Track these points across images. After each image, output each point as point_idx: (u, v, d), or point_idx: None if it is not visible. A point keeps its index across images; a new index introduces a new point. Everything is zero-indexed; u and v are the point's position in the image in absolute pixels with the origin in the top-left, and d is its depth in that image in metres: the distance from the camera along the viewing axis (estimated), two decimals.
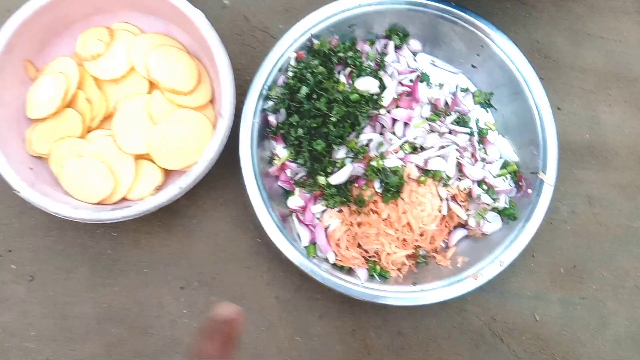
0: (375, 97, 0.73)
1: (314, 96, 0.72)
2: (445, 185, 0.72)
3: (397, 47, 0.79)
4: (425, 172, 0.72)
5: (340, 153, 0.70)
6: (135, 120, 0.73)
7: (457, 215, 0.73)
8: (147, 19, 0.78)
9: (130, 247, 0.74)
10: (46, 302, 0.73)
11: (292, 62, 0.74)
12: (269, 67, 0.73)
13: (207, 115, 0.75)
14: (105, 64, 0.75)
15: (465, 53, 0.78)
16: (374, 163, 0.70)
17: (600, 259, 0.78)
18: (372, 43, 0.79)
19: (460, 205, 0.73)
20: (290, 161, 0.73)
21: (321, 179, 0.70)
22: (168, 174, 0.74)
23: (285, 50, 0.73)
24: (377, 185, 0.70)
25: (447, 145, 0.73)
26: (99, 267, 0.74)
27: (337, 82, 0.73)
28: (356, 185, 0.71)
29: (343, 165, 0.70)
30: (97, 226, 0.75)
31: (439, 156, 0.73)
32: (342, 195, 0.70)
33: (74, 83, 0.73)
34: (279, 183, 0.74)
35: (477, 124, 0.78)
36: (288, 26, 0.81)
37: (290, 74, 0.73)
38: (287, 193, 0.74)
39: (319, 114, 0.70)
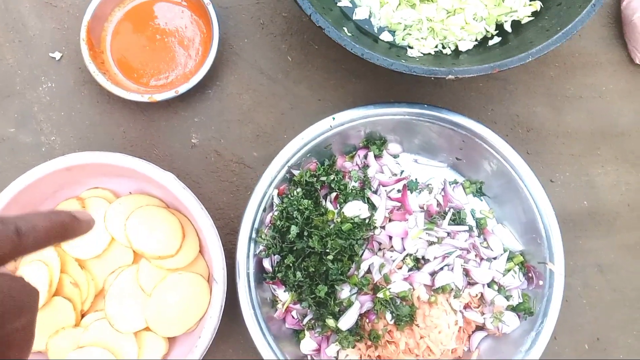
0: (367, 220, 0.71)
1: (305, 233, 0.69)
2: (457, 296, 0.70)
3: (377, 156, 0.76)
4: (434, 290, 0.70)
5: (344, 292, 0.69)
6: (127, 296, 0.71)
7: (474, 321, 0.72)
8: (117, 179, 0.75)
9: None
10: None
11: (276, 200, 0.71)
12: (253, 210, 0.71)
13: (198, 269, 0.73)
14: (84, 241, 0.72)
15: (447, 148, 0.76)
16: (380, 295, 0.68)
17: (623, 326, 0.77)
18: (351, 157, 0.76)
19: (475, 311, 0.71)
20: (295, 303, 0.71)
21: (330, 322, 0.68)
22: (172, 339, 0.72)
23: (266, 189, 0.71)
24: (388, 317, 0.68)
25: (450, 253, 0.71)
26: None
27: (326, 211, 0.71)
28: (367, 320, 0.69)
29: (350, 304, 0.68)
30: None
31: (444, 267, 0.71)
32: (355, 334, 0.69)
33: (56, 270, 0.71)
34: (287, 326, 0.72)
35: (473, 216, 0.76)
36: (262, 153, 0.79)
37: (276, 213, 0.71)
38: (298, 333, 0.72)
39: (315, 251, 0.68)
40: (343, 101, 0.82)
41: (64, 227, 0.38)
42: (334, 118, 0.74)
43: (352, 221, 0.71)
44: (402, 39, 0.77)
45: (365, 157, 0.78)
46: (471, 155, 0.77)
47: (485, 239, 0.76)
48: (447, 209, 0.76)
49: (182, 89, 0.76)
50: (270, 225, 0.73)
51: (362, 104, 0.78)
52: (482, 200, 0.79)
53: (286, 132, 0.81)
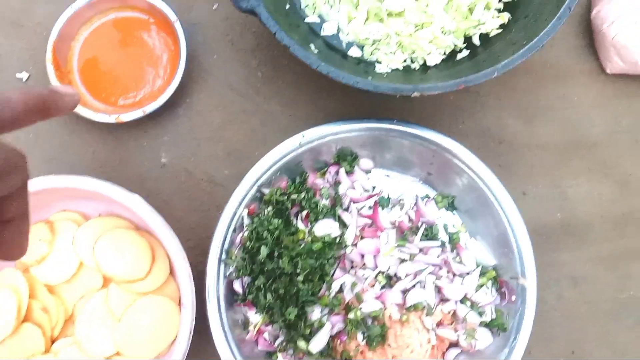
0: (337, 238, 0.70)
1: (276, 254, 0.69)
2: (429, 314, 0.70)
3: (349, 172, 0.75)
4: (406, 308, 0.69)
5: (315, 314, 0.68)
6: (97, 321, 0.70)
7: (447, 338, 0.71)
8: (86, 201, 0.74)
9: None
10: None
11: (246, 220, 0.71)
12: (223, 231, 0.71)
13: (169, 292, 0.73)
14: (52, 266, 0.71)
15: (419, 162, 0.76)
16: (351, 315, 0.68)
17: (597, 338, 0.78)
18: (323, 173, 0.76)
19: (448, 328, 0.71)
20: (267, 325, 0.70)
21: (301, 344, 0.68)
22: None
23: (235, 208, 0.71)
24: (360, 337, 0.68)
25: (422, 270, 0.71)
26: None
27: (296, 230, 0.70)
28: (339, 341, 0.69)
29: (321, 325, 0.68)
30: None
31: (416, 285, 0.71)
32: (327, 355, 0.68)
33: (25, 297, 0.70)
34: (259, 348, 0.71)
35: (446, 230, 0.75)
36: (233, 171, 0.78)
37: (246, 234, 0.70)
38: (271, 354, 0.72)
39: (285, 272, 0.68)
40: (314, 117, 0.82)
41: (43, 100, 0.35)
42: (303, 135, 0.73)
43: (322, 240, 0.70)
44: (371, 54, 0.77)
45: (337, 173, 0.77)
46: (442, 170, 0.76)
47: (458, 254, 0.76)
48: (419, 224, 0.76)
49: (150, 108, 0.76)
50: (240, 246, 0.72)
51: (333, 120, 0.78)
52: (454, 214, 0.78)
53: (257, 149, 0.81)
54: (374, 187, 0.78)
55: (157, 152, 0.80)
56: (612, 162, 0.82)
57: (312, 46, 0.73)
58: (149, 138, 0.80)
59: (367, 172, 0.79)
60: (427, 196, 0.78)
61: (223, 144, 0.81)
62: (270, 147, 0.80)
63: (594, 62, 0.83)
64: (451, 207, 0.78)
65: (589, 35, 0.83)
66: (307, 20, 0.77)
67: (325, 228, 0.71)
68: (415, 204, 0.77)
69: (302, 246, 0.70)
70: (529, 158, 0.81)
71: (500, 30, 0.75)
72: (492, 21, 0.74)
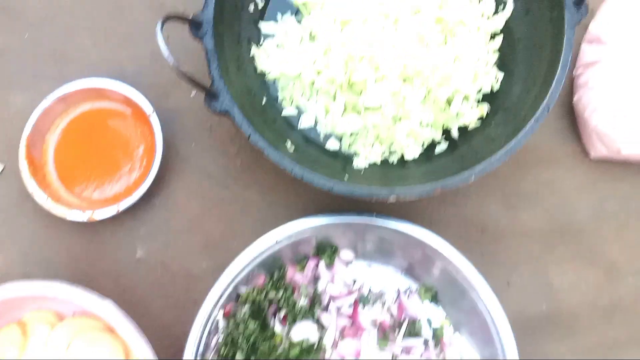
0: (316, 344, 0.68)
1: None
2: None
3: (329, 265, 0.74)
4: None
5: None
6: None
7: None
8: (59, 300, 0.72)
9: None
10: None
11: (221, 323, 0.69)
12: (197, 335, 0.69)
13: None
14: None
15: (401, 254, 0.74)
16: None
17: None
18: (302, 267, 0.74)
19: None
20: None
21: None
22: None
23: (210, 310, 0.69)
24: None
25: None
26: None
27: (273, 334, 0.68)
28: None
29: None
30: None
31: None
32: None
33: None
34: None
35: (430, 324, 0.73)
36: (211, 263, 0.77)
37: (221, 339, 0.68)
38: None
39: None
40: (294, 204, 0.80)
41: None
42: (277, 241, 0.71)
43: (300, 345, 0.68)
44: (349, 147, 0.75)
45: (317, 266, 0.76)
46: (424, 262, 0.75)
47: (442, 350, 0.74)
48: (402, 319, 0.74)
49: (124, 204, 0.75)
50: (215, 349, 0.70)
51: (313, 208, 0.77)
52: (438, 306, 0.77)
53: (236, 239, 0.79)
54: (354, 281, 0.76)
55: (133, 245, 0.79)
56: (598, 248, 0.80)
57: (289, 143, 0.72)
58: (125, 231, 0.79)
59: (348, 263, 0.77)
60: (409, 288, 0.77)
61: (201, 235, 0.79)
62: (249, 238, 0.78)
63: (578, 145, 0.82)
64: (434, 299, 0.76)
65: (571, 118, 0.82)
66: (284, 113, 0.76)
67: (303, 332, 0.69)
68: (398, 297, 0.75)
69: (279, 352, 0.68)
70: (512, 246, 0.80)
71: (479, 124, 0.74)
72: (471, 113, 0.74)
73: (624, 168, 0.81)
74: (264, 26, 0.77)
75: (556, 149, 0.82)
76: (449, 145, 0.74)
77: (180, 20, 0.65)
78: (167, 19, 0.61)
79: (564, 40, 0.66)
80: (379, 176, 0.71)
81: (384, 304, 0.74)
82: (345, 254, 0.77)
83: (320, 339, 0.70)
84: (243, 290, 0.72)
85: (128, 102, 0.78)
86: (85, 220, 0.74)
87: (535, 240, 0.80)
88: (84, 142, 0.79)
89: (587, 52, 0.78)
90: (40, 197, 0.74)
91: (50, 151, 0.79)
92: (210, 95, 0.66)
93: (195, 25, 0.68)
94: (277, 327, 0.71)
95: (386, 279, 0.78)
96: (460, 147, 0.73)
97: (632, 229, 0.80)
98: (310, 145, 0.75)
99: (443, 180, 0.65)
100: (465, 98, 0.74)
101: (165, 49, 0.59)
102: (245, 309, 0.72)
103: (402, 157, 0.75)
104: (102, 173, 0.78)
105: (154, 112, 0.76)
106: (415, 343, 0.73)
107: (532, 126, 0.65)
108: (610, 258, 0.80)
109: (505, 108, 0.72)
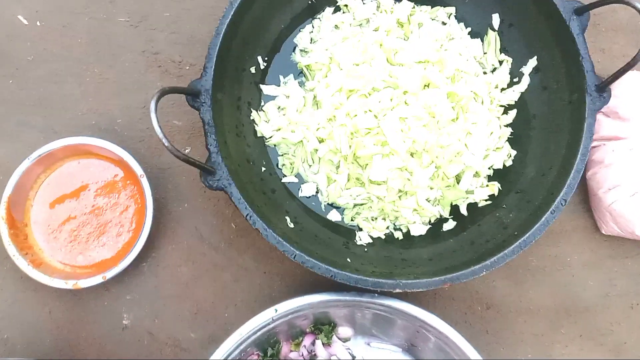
0: None
1: None
2: None
3: (326, 344, 0.70)
4: None
5: None
6: None
7: None
8: None
9: None
10: None
11: None
12: None
13: None
14: None
15: (402, 333, 0.71)
16: None
17: None
18: (297, 344, 0.70)
19: None
20: None
21: None
22: None
23: None
24: None
25: None
26: None
27: None
28: None
29: None
30: None
31: None
32: None
33: None
34: None
35: None
36: (200, 333, 0.74)
37: None
38: None
39: None
40: (291, 273, 0.77)
41: None
42: (276, 310, 0.68)
43: None
44: (352, 219, 0.72)
45: (313, 344, 0.72)
46: (425, 343, 0.71)
47: None
48: None
49: (111, 273, 0.70)
50: None
51: (311, 280, 0.73)
52: None
53: (227, 308, 0.75)
54: (353, 358, 0.73)
55: (119, 312, 0.75)
56: (606, 328, 0.77)
57: (288, 219, 0.68)
58: (111, 297, 0.75)
59: (346, 340, 0.74)
60: None
61: (190, 303, 0.75)
62: (242, 308, 0.75)
63: (588, 219, 0.79)
64: None
65: (583, 192, 0.78)
66: (284, 180, 0.72)
67: None
68: None
69: None
70: (518, 324, 0.76)
71: (489, 202, 0.70)
72: (481, 191, 0.70)
73: (636, 244, 0.78)
74: (266, 89, 0.73)
75: (566, 222, 0.79)
76: (457, 224, 0.71)
77: (176, 92, 0.61)
78: (162, 95, 0.57)
79: (584, 127, 0.62)
80: (383, 259, 0.68)
81: None
82: (344, 330, 0.73)
83: None
84: None
85: (117, 160, 0.74)
86: (70, 287, 0.69)
87: (541, 318, 0.77)
88: (69, 200, 0.75)
89: (604, 124, 0.74)
90: (21, 263, 0.70)
91: (33, 211, 0.74)
92: (207, 171, 0.62)
93: (192, 93, 0.63)
94: None
95: (387, 357, 0.74)
96: (470, 228, 0.69)
97: None
98: (311, 216, 0.71)
99: (452, 272, 0.61)
100: (476, 174, 0.70)
101: (159, 130, 0.55)
102: None
103: (408, 231, 0.71)
104: (88, 235, 0.74)
105: (144, 176, 0.72)
106: None
107: (547, 218, 0.62)
108: (619, 339, 0.77)
109: (518, 190, 0.69)
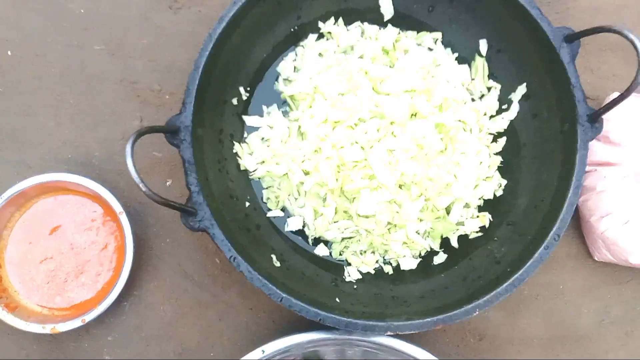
0: None
1: None
2: None
3: None
4: None
5: None
6: None
7: None
8: None
9: None
10: None
11: None
12: None
13: None
14: None
15: None
16: None
17: None
18: None
19: None
20: None
21: None
22: None
23: None
24: None
25: None
26: None
27: None
28: None
29: None
30: None
31: None
32: None
33: None
34: None
35: None
36: None
37: None
38: None
39: None
40: (277, 310, 0.74)
41: None
42: (263, 351, 0.66)
43: None
44: (340, 254, 0.69)
45: None
46: None
47: None
48: None
49: (90, 316, 0.68)
50: None
51: (298, 316, 0.71)
52: None
53: (213, 347, 0.73)
54: None
55: (100, 354, 0.72)
56: (602, 357, 0.76)
57: (274, 257, 0.65)
58: (91, 338, 0.72)
59: None
60: None
61: (174, 343, 0.73)
62: (228, 347, 0.73)
63: (581, 246, 0.77)
64: None
65: (575, 218, 0.77)
66: (269, 214, 0.70)
67: None
68: None
69: None
70: (511, 355, 0.75)
71: (480, 234, 0.69)
72: (472, 222, 0.68)
73: (630, 271, 0.77)
74: (249, 120, 0.70)
75: (558, 249, 0.77)
76: (447, 257, 0.69)
77: (154, 132, 0.58)
78: (138, 137, 0.55)
79: (577, 159, 0.61)
80: (373, 296, 0.66)
81: None
82: None
83: None
84: None
85: (95, 196, 0.71)
86: (48, 332, 0.67)
87: (535, 349, 0.75)
88: (45, 238, 0.72)
89: (596, 149, 0.73)
90: None
91: (8, 251, 0.71)
92: (187, 212, 0.60)
93: (171, 131, 0.61)
94: None
95: None
96: (461, 262, 0.67)
97: (638, 336, 0.76)
98: (298, 252, 0.69)
99: (445, 311, 0.59)
100: (466, 205, 0.69)
101: (135, 175, 0.53)
102: None
103: (398, 265, 0.69)
104: (66, 276, 0.71)
105: (123, 212, 0.69)
106: None
107: (541, 255, 0.60)
108: None
109: (510, 222, 0.67)
